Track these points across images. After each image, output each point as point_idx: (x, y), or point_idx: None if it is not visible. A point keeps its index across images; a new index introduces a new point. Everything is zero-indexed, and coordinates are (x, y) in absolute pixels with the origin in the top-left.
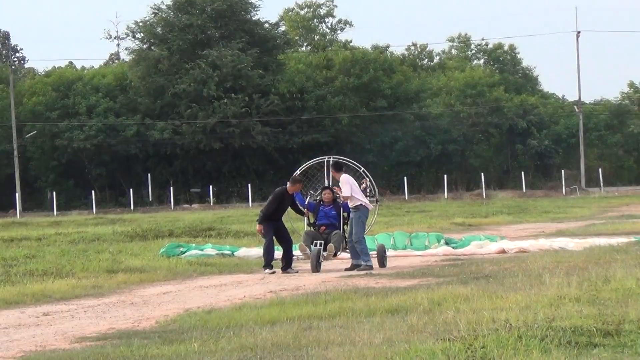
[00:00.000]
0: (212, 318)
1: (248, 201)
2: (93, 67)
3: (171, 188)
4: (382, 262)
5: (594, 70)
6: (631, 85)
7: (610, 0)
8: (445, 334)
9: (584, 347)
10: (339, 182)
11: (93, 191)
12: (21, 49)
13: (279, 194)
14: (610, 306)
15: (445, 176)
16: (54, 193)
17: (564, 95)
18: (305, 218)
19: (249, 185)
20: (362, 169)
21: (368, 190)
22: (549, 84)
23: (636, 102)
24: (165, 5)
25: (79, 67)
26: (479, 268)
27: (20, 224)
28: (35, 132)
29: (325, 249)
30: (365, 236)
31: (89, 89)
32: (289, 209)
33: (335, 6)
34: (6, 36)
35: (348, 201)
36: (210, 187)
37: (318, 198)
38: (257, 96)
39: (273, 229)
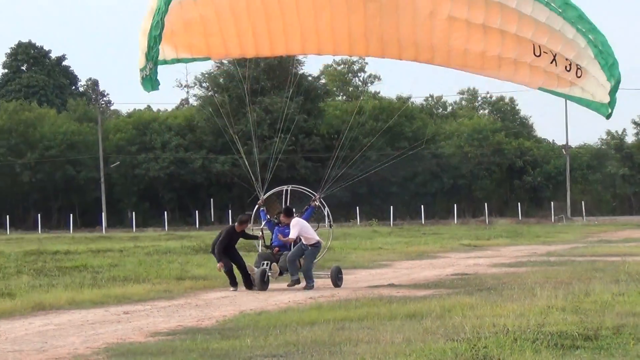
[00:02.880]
0: (262, 319)
1: None
2: (167, 109)
3: (229, 211)
4: (336, 282)
5: (579, 119)
6: (608, 133)
7: None
8: (454, 336)
9: (568, 349)
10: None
11: (165, 212)
12: (108, 94)
13: (228, 233)
14: (590, 315)
15: (455, 205)
16: (134, 213)
17: (553, 140)
18: (260, 240)
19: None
20: (318, 195)
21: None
22: (542, 130)
23: (613, 147)
24: (226, 60)
25: (155, 109)
26: (482, 282)
27: (105, 238)
28: (118, 162)
29: (271, 269)
30: None
31: (163, 127)
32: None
33: (367, 63)
34: (95, 83)
35: (303, 239)
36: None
37: (276, 220)
38: (301, 136)
39: (229, 258)
